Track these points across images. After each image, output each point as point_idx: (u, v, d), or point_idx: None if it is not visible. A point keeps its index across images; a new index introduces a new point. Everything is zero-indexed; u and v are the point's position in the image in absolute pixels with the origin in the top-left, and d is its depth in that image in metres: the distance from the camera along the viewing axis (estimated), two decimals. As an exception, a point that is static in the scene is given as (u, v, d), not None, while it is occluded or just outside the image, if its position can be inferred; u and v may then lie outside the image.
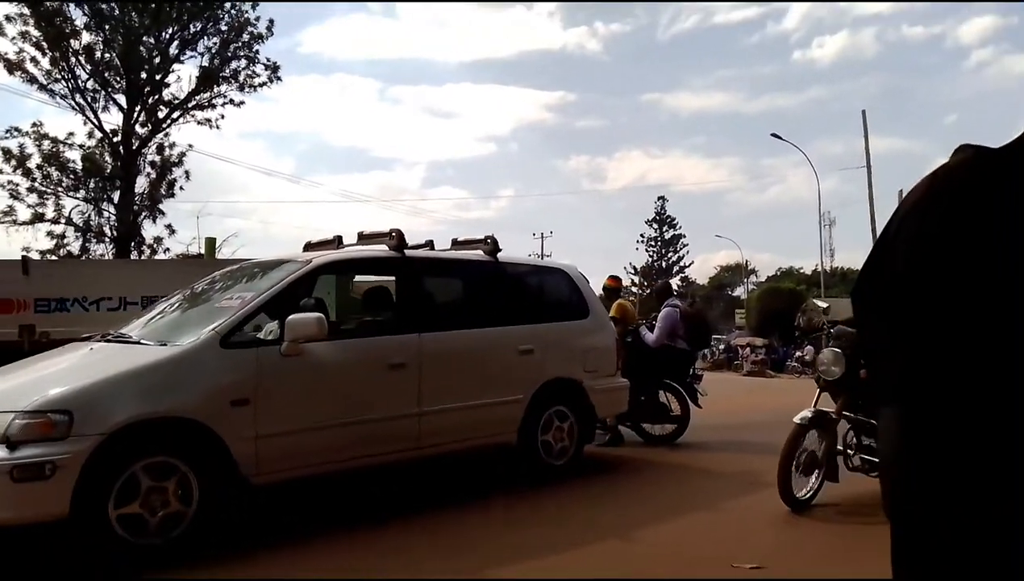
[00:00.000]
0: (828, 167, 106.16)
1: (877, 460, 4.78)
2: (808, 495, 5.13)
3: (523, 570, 4.12)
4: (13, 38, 24.87)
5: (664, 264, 63.20)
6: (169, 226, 27.78)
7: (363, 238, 5.98)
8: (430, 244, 6.53)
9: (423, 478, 6.06)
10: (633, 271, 61.05)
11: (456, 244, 6.52)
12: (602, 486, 6.19)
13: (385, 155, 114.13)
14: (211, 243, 20.92)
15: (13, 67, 25.15)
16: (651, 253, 63.51)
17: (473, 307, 6.22)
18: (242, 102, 28.56)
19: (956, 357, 0.85)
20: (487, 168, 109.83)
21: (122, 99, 26.99)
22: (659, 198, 64.22)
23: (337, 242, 6.16)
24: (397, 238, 5.57)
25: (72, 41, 25.71)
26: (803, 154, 44.60)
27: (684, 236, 63.15)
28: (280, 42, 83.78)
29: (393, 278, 5.76)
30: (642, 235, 63.70)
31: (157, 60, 27.52)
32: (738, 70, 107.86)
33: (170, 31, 27.43)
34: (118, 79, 26.93)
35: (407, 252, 5.69)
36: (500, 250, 6.22)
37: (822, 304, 5.92)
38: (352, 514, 5.19)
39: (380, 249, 5.71)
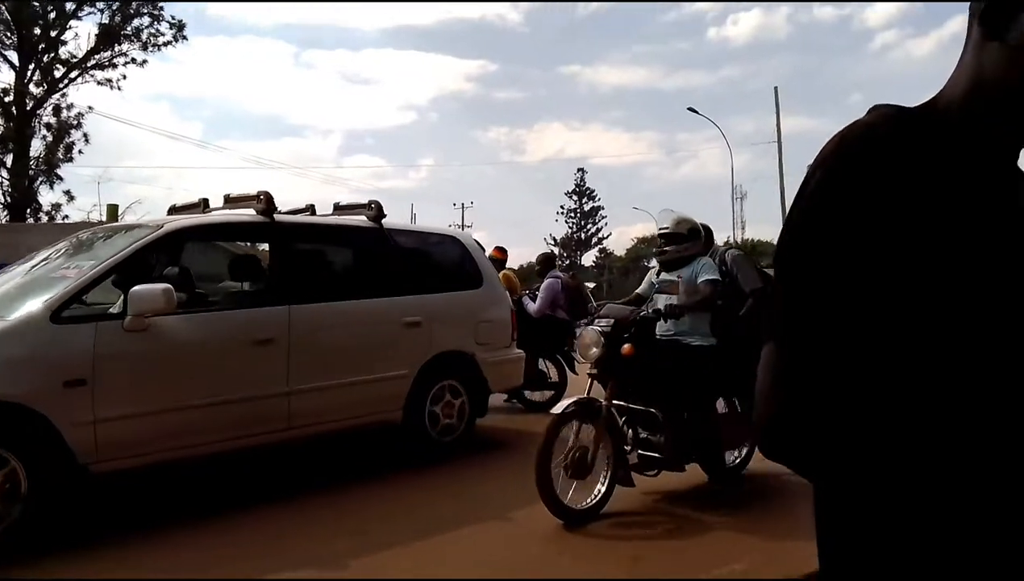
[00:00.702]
0: (740, 143, 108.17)
1: (658, 455, 4.43)
2: (593, 503, 4.28)
3: (386, 558, 3.79)
4: None
5: (583, 235, 63.32)
6: (68, 192, 26.13)
7: (230, 201, 5.41)
8: (311, 209, 6.00)
9: (304, 460, 5.60)
10: (553, 242, 60.92)
11: (339, 209, 5.98)
12: (493, 462, 5.84)
13: (299, 122, 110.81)
14: (112, 210, 19.69)
15: None
16: (571, 225, 63.38)
17: (353, 277, 5.74)
18: (145, 61, 26.95)
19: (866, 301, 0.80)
20: (406, 137, 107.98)
21: (14, 57, 25.06)
22: (578, 170, 64.20)
23: (203, 206, 5.57)
24: (265, 201, 5.03)
25: (-44, -8, 23.63)
26: (718, 129, 45.35)
27: (603, 208, 63.22)
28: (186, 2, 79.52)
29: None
30: (562, 207, 63.43)
31: (52, 15, 25.62)
32: (656, 46, 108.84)
33: (66, -16, 25.53)
34: (8, 35, 24.97)
35: (277, 217, 5.15)
36: (385, 216, 5.73)
37: (589, 285, 5.59)
38: (221, 501, 4.69)
39: (248, 213, 5.17)
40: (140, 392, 4.27)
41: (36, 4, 25.07)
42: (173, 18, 27.18)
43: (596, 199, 63.03)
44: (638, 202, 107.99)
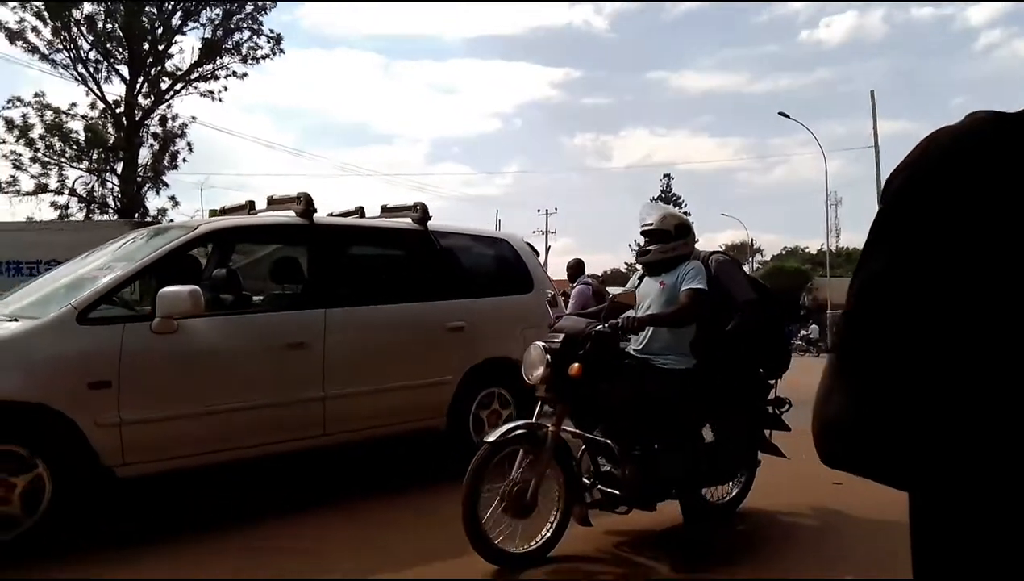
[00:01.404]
0: (834, 148, 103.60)
1: (619, 493, 3.70)
2: (537, 545, 3.66)
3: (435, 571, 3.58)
4: (14, 7, 24.22)
5: (671, 242, 61.74)
6: (172, 198, 27.20)
7: (272, 203, 5.27)
8: (360, 211, 5.82)
9: (344, 468, 5.41)
10: (638, 249, 59.83)
11: (385, 211, 5.79)
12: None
13: (387, 130, 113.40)
14: (214, 214, 20.33)
15: (14, 36, 24.48)
16: (656, 231, 62.01)
17: (395, 280, 5.50)
18: (245, 74, 27.77)
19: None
20: (492, 145, 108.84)
21: (124, 70, 26.32)
22: (664, 176, 62.72)
23: (249, 207, 5.46)
24: (304, 203, 4.86)
25: (73, 11, 25.01)
26: (810, 133, 43.30)
27: (689, 214, 61.42)
28: (282, 15, 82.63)
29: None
30: (649, 213, 62.21)
31: (159, 31, 26.79)
32: (744, 50, 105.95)
33: (172, 1, 26.69)
34: (120, 50, 26.24)
35: (317, 219, 4.97)
36: (430, 217, 5.49)
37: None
38: (249, 509, 4.54)
39: (287, 215, 5.01)
40: (168, 395, 4.15)
41: (145, 21, 26.27)
42: (271, 32, 28.01)
43: (682, 205, 61.50)
44: (726, 209, 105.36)
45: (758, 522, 4.44)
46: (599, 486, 3.89)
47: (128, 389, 3.97)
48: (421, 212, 5.44)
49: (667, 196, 60.56)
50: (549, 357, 3.74)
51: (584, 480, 3.89)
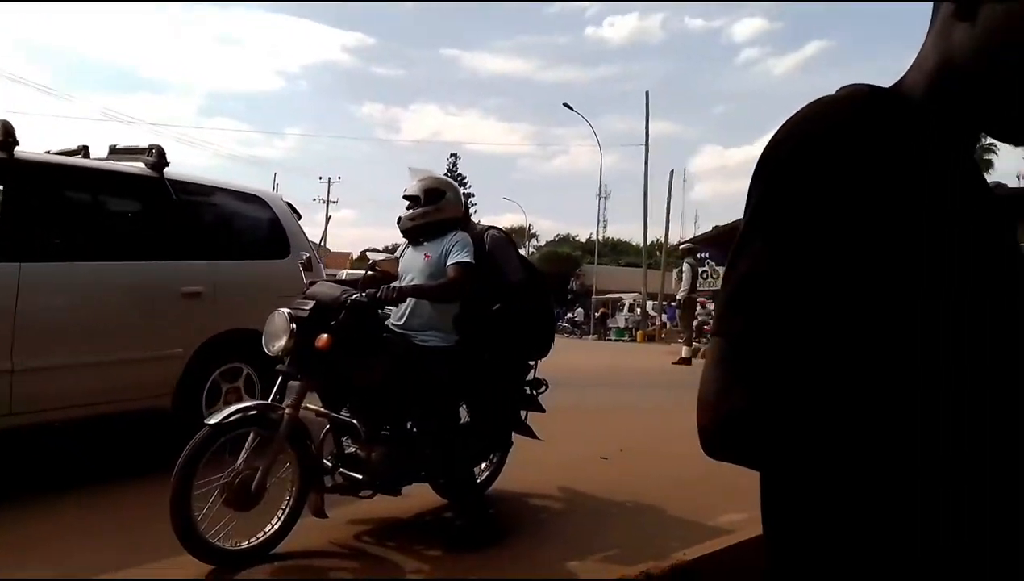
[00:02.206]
0: (611, 143, 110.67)
1: (362, 477, 3.48)
2: (260, 541, 3.27)
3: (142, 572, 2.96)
4: None
5: (452, 221, 62.47)
6: None
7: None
8: (84, 150, 4.95)
9: (43, 453, 4.61)
10: (421, 227, 59.79)
11: (114, 153, 4.96)
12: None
13: (157, 77, 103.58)
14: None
15: None
16: (440, 210, 62.42)
17: (117, 234, 4.73)
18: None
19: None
20: (274, 104, 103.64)
21: None
22: (452, 155, 63.38)
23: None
24: (3, 133, 3.99)
25: None
26: (590, 126, 45.65)
27: (473, 195, 62.63)
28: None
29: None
30: (431, 191, 62.32)
31: None
32: (537, 37, 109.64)
33: None
34: None
35: (18, 153, 4.11)
36: (167, 164, 4.78)
37: None
38: None
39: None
40: None
41: None
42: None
43: (467, 186, 62.37)
44: (509, 193, 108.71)
45: (509, 505, 4.36)
46: (341, 469, 3.58)
47: None
48: (157, 156, 4.71)
49: (452, 174, 60.92)
50: (295, 326, 3.37)
51: (326, 463, 3.57)
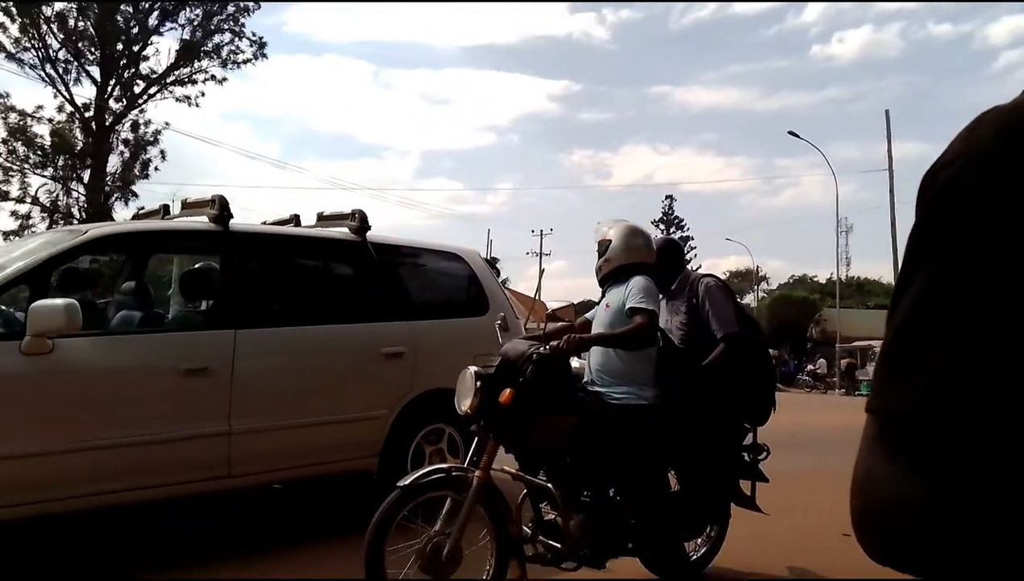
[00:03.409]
0: (845, 170, 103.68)
1: (560, 546, 3.28)
2: None
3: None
4: (-21, 3, 24.01)
5: (671, 268, 61.39)
6: (141, 209, 26.81)
7: (187, 207, 4.84)
8: (295, 219, 5.39)
9: (255, 514, 4.93)
10: (640, 274, 59.40)
11: (321, 219, 5.35)
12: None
13: (376, 142, 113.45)
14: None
15: (-22, 34, 24.29)
16: (658, 256, 61.65)
17: (323, 298, 5.04)
18: (224, 79, 27.55)
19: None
20: (485, 159, 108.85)
21: (96, 72, 26.09)
22: (667, 197, 62.35)
23: (163, 212, 5.04)
24: (219, 207, 4.43)
25: (43, 7, 24.78)
26: (821, 154, 43.15)
27: (692, 238, 60.84)
28: (266, 18, 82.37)
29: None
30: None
31: (135, 31, 26.60)
32: (753, 65, 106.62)
33: (149, 1, 26.50)
34: (92, 50, 26.01)
35: (233, 226, 4.53)
36: (369, 227, 5.04)
37: None
38: (141, 560, 4.06)
39: (200, 221, 4.58)
40: (40, 426, 3.70)
41: (119, 20, 26.05)
42: (254, 35, 27.81)
43: (685, 229, 61.16)
44: (731, 233, 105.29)
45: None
46: (541, 537, 3.45)
47: (-11, 420, 3.52)
48: (359, 221, 5.00)
49: (668, 218, 60.44)
50: (479, 383, 3.34)
51: (525, 530, 3.46)
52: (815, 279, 59.66)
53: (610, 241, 3.76)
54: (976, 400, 0.56)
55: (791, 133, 31.75)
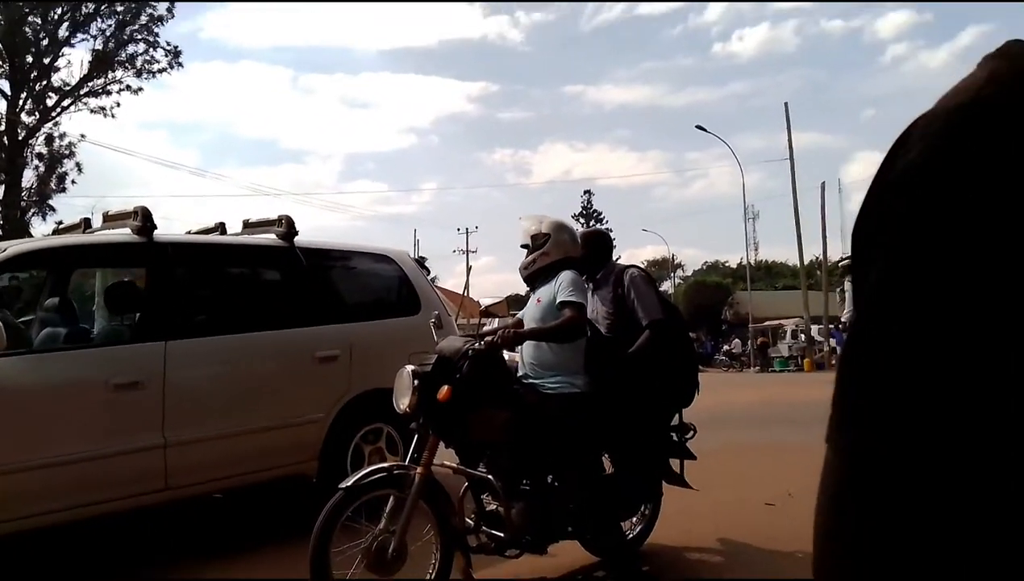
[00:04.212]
0: (750, 161, 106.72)
1: (504, 535, 3.31)
2: None
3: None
4: None
5: (593, 258, 62.10)
6: (59, 223, 25.51)
7: (109, 219, 4.63)
8: (220, 227, 5.21)
9: (195, 523, 4.77)
10: (563, 266, 59.85)
11: (248, 226, 5.19)
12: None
13: (297, 147, 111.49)
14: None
15: None
16: (580, 248, 62.23)
17: (252, 305, 4.90)
18: (140, 89, 26.62)
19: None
20: (408, 161, 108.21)
21: (5, 85, 24.80)
22: (585, 192, 62.87)
23: (83, 226, 4.81)
24: (142, 218, 4.25)
25: (-55, 20, 23.42)
26: (727, 147, 44.21)
27: (611, 230, 62.08)
28: (179, 26, 79.52)
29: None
30: (570, 230, 62.30)
31: (45, 42, 25.39)
32: (660, 63, 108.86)
33: (59, 11, 25.33)
34: (1, 63, 24.71)
35: (157, 237, 4.35)
36: (296, 233, 4.92)
37: None
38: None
39: (123, 233, 4.39)
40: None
41: (28, 31, 24.82)
42: (168, 44, 26.91)
43: (604, 222, 61.89)
44: (647, 224, 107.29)
45: (664, 560, 4.04)
46: (484, 528, 3.44)
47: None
48: (286, 226, 4.87)
49: (588, 212, 60.98)
50: (417, 381, 3.31)
51: (468, 521, 3.45)
52: (727, 264, 61.42)
53: (548, 235, 3.74)
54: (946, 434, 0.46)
55: (699, 127, 32.58)
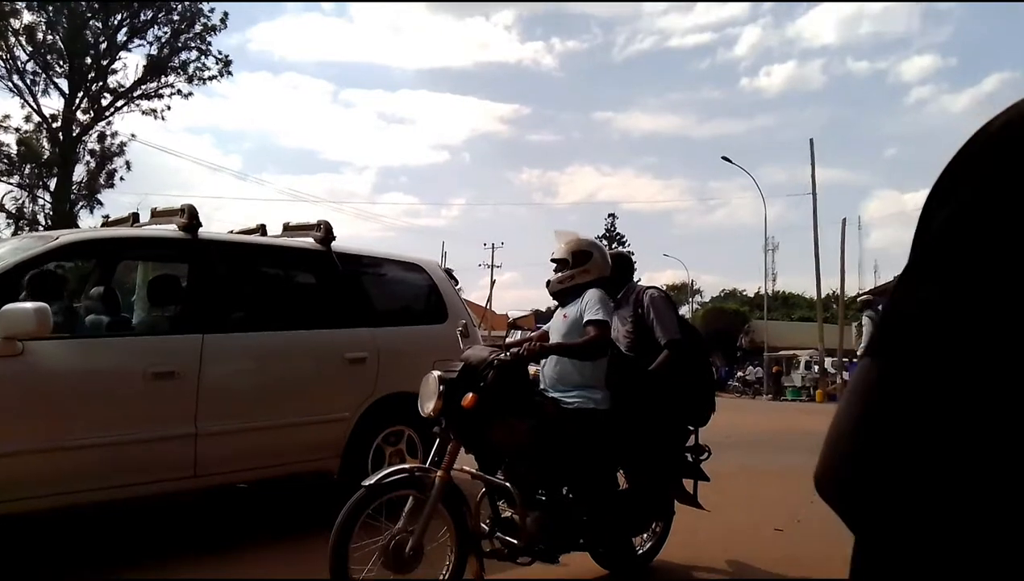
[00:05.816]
0: (773, 193, 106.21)
1: (518, 542, 3.27)
2: None
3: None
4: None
5: (613, 281, 61.88)
6: (106, 217, 25.91)
7: (156, 215, 4.71)
8: (261, 229, 5.27)
9: (219, 513, 4.80)
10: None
11: (287, 229, 5.24)
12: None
13: (335, 158, 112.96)
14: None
15: (-54, 43, 23.41)
16: (601, 269, 61.99)
17: (288, 305, 4.95)
18: (190, 94, 27.14)
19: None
20: (439, 176, 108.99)
21: (64, 84, 25.36)
22: (609, 215, 62.94)
23: (132, 220, 4.89)
24: (188, 216, 4.31)
25: (12, 20, 24.00)
26: (751, 178, 44.06)
27: (633, 253, 61.88)
28: (231, 37, 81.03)
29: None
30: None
31: (104, 46, 25.98)
32: (689, 94, 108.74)
33: (119, 17, 25.88)
34: (61, 63, 25.31)
35: (201, 234, 4.41)
36: (333, 238, 4.96)
37: None
38: (110, 557, 3.91)
39: (169, 229, 4.45)
40: (9, 427, 3.53)
41: (89, 35, 25.37)
42: (220, 53, 27.38)
43: (626, 244, 61.70)
44: (668, 249, 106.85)
45: (673, 578, 4.00)
46: (498, 534, 3.43)
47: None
48: (324, 231, 4.92)
49: (611, 234, 60.85)
50: (443, 387, 3.31)
51: (483, 527, 3.44)
52: (744, 293, 60.92)
53: (590, 254, 3.73)
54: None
55: (724, 158, 32.41)
